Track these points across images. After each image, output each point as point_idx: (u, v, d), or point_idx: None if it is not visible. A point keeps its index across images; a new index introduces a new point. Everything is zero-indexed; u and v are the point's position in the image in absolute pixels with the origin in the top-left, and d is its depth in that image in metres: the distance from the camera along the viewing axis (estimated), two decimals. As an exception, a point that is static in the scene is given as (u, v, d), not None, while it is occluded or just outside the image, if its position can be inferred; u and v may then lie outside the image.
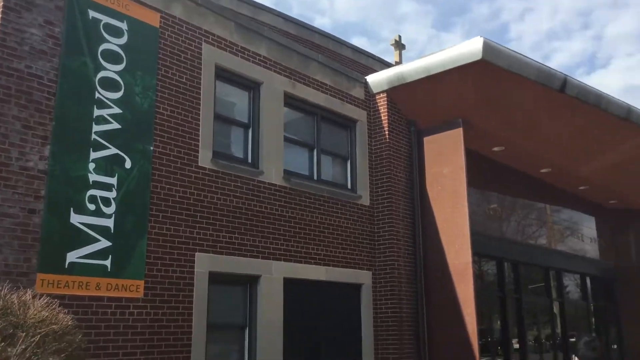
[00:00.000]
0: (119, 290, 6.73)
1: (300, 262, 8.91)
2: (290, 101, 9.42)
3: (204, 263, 7.68)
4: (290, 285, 8.71)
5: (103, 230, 6.72)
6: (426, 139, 10.97)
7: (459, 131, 10.49)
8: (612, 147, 13.17)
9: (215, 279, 7.82)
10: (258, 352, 8.08)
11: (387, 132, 10.65)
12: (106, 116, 6.99)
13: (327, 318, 9.38)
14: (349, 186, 10.26)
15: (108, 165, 6.90)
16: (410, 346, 10.03)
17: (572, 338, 15.47)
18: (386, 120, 10.70)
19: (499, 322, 12.82)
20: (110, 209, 6.83)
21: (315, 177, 9.67)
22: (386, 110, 10.74)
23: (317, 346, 9.20)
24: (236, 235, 8.14)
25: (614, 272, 17.95)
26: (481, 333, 11.03)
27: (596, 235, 17.21)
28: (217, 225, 7.93)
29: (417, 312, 10.28)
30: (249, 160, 8.70)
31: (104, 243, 6.71)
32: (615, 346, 18.09)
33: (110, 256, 6.73)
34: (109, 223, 6.79)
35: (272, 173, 8.78)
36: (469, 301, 10.08)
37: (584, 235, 16.61)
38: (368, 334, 9.89)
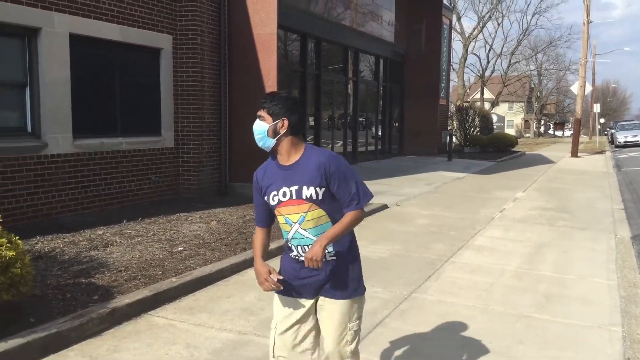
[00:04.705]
0: None
1: (90, 17, 7.84)
2: None
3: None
4: (78, 43, 7.73)
5: None
6: None
7: None
8: None
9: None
10: (42, 114, 7.31)
11: None
12: None
13: (124, 84, 8.70)
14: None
15: None
16: (211, 118, 9.91)
17: (361, 118, 16.77)
18: None
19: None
20: None
21: None
22: None
23: (112, 114, 8.58)
24: (6, -23, 6.75)
25: (404, 55, 19.26)
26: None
27: (394, 19, 17.91)
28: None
29: (220, 83, 10.03)
30: None
31: None
32: (397, 124, 20.13)
33: None
34: None
35: None
36: (271, 72, 10.04)
37: (383, 20, 17.17)
38: (168, 105, 9.48)
